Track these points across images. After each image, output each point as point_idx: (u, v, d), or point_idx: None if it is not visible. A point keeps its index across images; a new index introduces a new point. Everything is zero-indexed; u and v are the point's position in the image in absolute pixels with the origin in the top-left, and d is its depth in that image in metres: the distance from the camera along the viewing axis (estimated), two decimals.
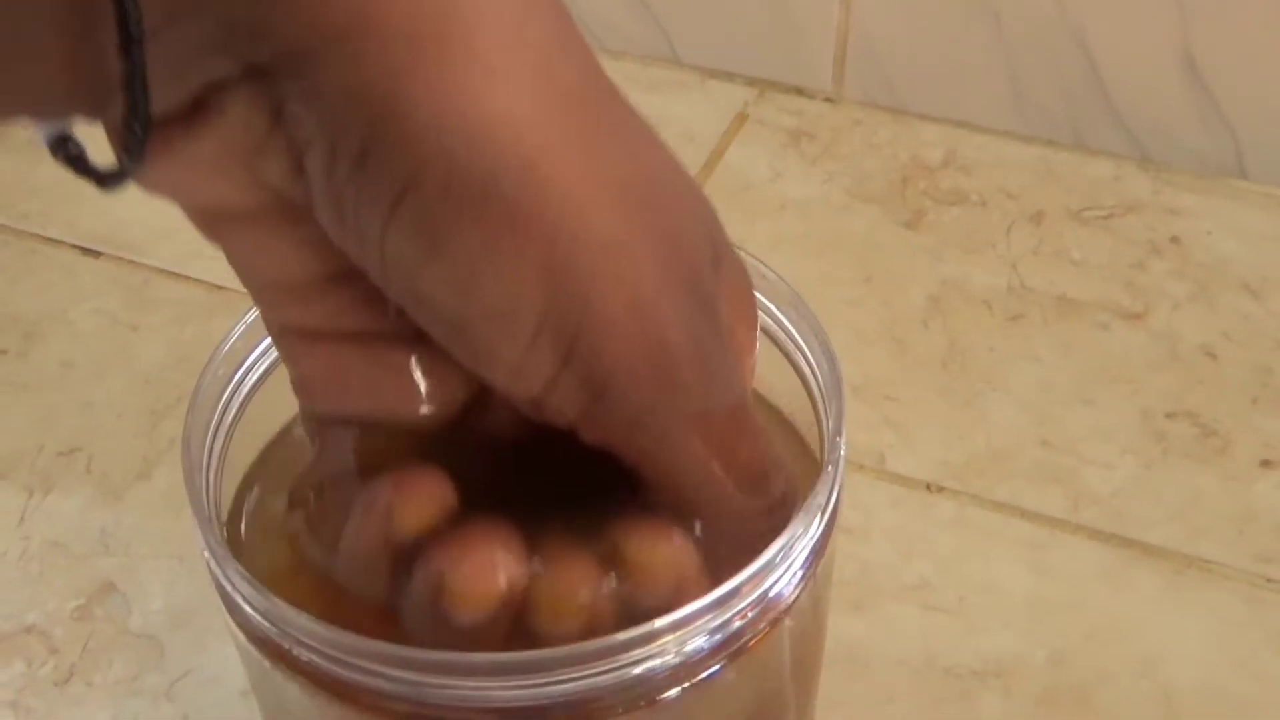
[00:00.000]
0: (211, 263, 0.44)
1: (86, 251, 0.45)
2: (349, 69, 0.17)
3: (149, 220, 0.46)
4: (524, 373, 0.19)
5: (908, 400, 0.39)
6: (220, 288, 0.44)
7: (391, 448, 0.22)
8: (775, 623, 0.22)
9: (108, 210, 0.46)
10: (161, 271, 0.44)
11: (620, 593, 0.20)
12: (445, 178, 0.17)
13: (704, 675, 0.21)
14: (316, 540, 0.21)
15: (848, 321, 0.42)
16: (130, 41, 0.16)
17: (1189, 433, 0.38)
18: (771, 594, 0.21)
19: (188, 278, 0.44)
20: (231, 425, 0.24)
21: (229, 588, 0.21)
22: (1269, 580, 0.35)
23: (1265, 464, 0.37)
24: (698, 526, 0.21)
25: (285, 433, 0.26)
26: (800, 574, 0.22)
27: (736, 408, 0.20)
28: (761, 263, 0.26)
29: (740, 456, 0.20)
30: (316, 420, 0.22)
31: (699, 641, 0.21)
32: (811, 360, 0.24)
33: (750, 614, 0.21)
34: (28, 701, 0.33)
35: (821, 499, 0.22)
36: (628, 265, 0.18)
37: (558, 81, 0.18)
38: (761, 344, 0.26)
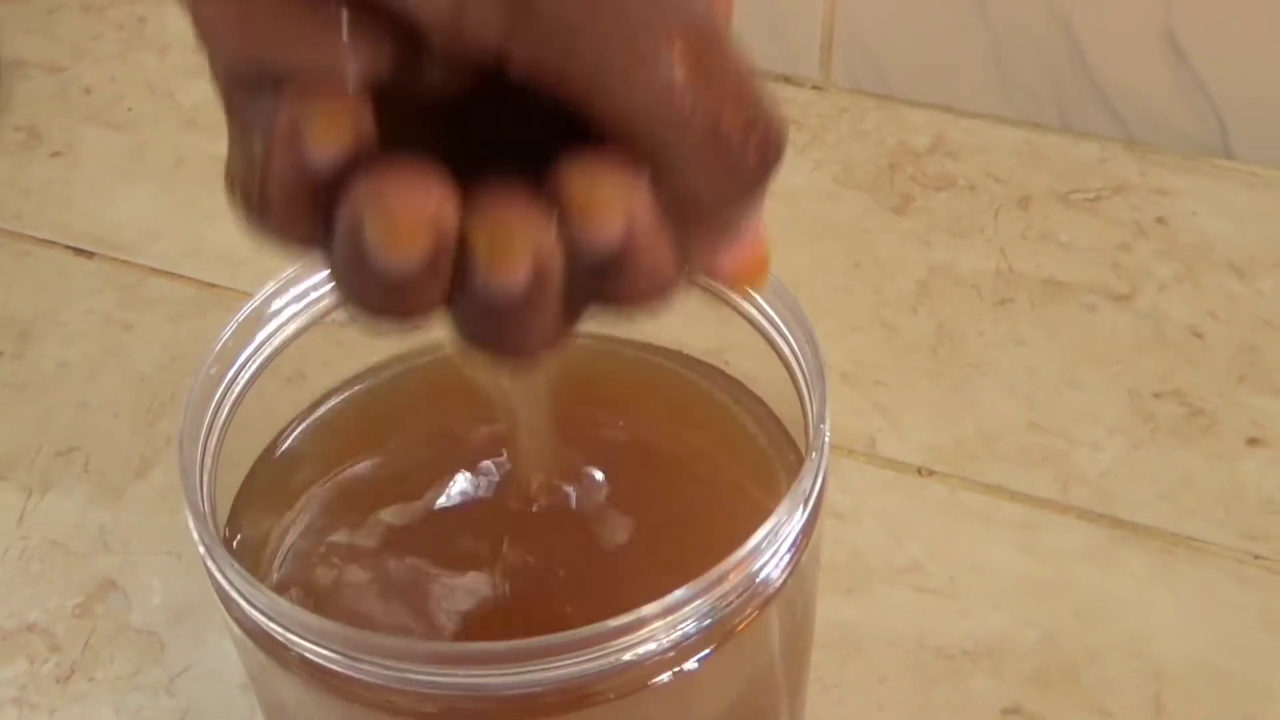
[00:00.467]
0: (204, 261, 0.45)
1: (79, 252, 0.45)
2: None
3: (141, 220, 0.46)
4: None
5: (897, 385, 0.40)
6: (213, 285, 0.44)
7: None
8: (763, 607, 0.22)
9: (100, 211, 0.47)
10: (154, 271, 0.45)
11: (567, 237, 0.17)
12: None
13: (694, 660, 0.21)
14: (236, 195, 0.19)
15: (837, 308, 0.42)
16: None
17: (1176, 412, 0.39)
18: (759, 579, 0.22)
19: (180, 276, 0.44)
20: (225, 423, 0.24)
21: (225, 584, 0.21)
22: (1256, 557, 0.35)
23: (1252, 442, 0.38)
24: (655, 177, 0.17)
25: (274, 445, 0.26)
26: (787, 559, 0.22)
27: (697, 24, 0.16)
28: None
29: (705, 89, 0.16)
30: (225, 78, 0.18)
31: (688, 627, 0.21)
32: (795, 348, 0.25)
33: (738, 599, 0.21)
34: (31, 698, 0.34)
35: (807, 484, 0.22)
36: None
37: None
38: (746, 333, 0.26)
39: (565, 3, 0.15)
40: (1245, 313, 0.41)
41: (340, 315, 0.28)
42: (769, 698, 0.25)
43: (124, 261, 0.45)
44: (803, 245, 0.44)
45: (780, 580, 0.22)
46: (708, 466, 0.27)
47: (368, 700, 0.21)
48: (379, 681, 0.21)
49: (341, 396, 0.29)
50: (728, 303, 0.27)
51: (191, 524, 0.22)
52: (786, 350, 0.25)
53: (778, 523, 0.21)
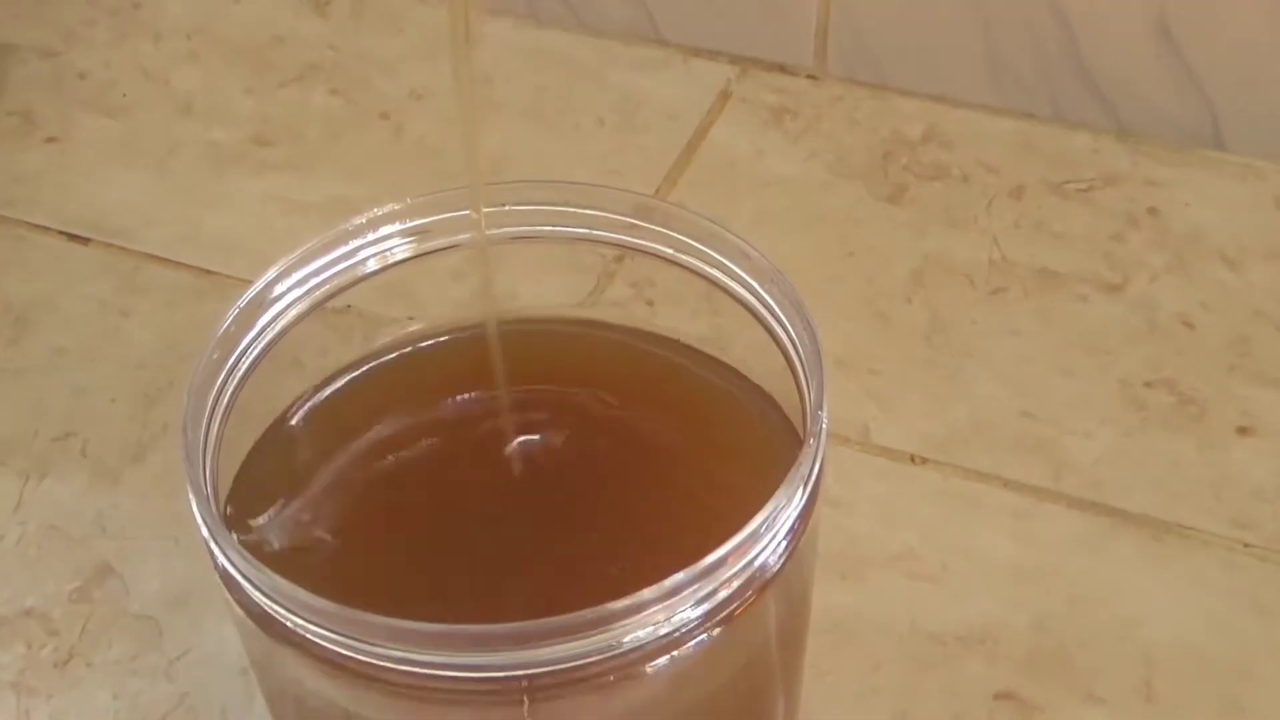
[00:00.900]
0: (201, 248, 0.45)
1: (74, 238, 0.45)
2: None
3: (136, 207, 0.46)
4: None
5: (891, 374, 0.40)
6: (209, 272, 0.44)
7: None
8: (761, 592, 0.22)
9: (95, 196, 0.47)
10: (150, 257, 0.45)
11: None
12: None
13: (691, 644, 0.21)
14: None
15: (831, 297, 0.42)
16: None
17: (1167, 401, 0.39)
18: (756, 564, 0.22)
19: (177, 263, 0.44)
20: (227, 407, 0.24)
21: (228, 566, 0.22)
22: (1246, 545, 0.35)
23: (1242, 431, 0.38)
24: None
25: (278, 425, 0.26)
26: (784, 544, 0.22)
27: None
28: (743, 240, 0.27)
29: None
30: None
31: (686, 611, 0.21)
32: (793, 335, 0.25)
33: (736, 584, 0.22)
34: (29, 683, 0.34)
35: (805, 470, 0.22)
36: None
37: None
38: (744, 320, 0.26)
39: None
40: (1236, 303, 0.42)
41: (340, 301, 0.28)
42: (765, 682, 0.25)
43: (120, 248, 0.45)
44: (796, 234, 0.44)
45: (778, 565, 0.22)
46: (707, 450, 0.27)
47: (369, 681, 0.21)
48: (380, 662, 0.21)
49: (340, 381, 0.29)
50: (725, 290, 0.27)
51: (194, 507, 0.22)
52: (784, 338, 0.25)
53: (776, 508, 0.22)
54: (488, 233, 0.27)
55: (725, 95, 0.50)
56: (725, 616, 0.22)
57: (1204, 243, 0.43)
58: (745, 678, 0.24)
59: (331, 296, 0.27)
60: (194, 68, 0.52)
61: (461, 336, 0.30)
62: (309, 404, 0.28)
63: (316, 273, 0.26)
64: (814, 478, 0.23)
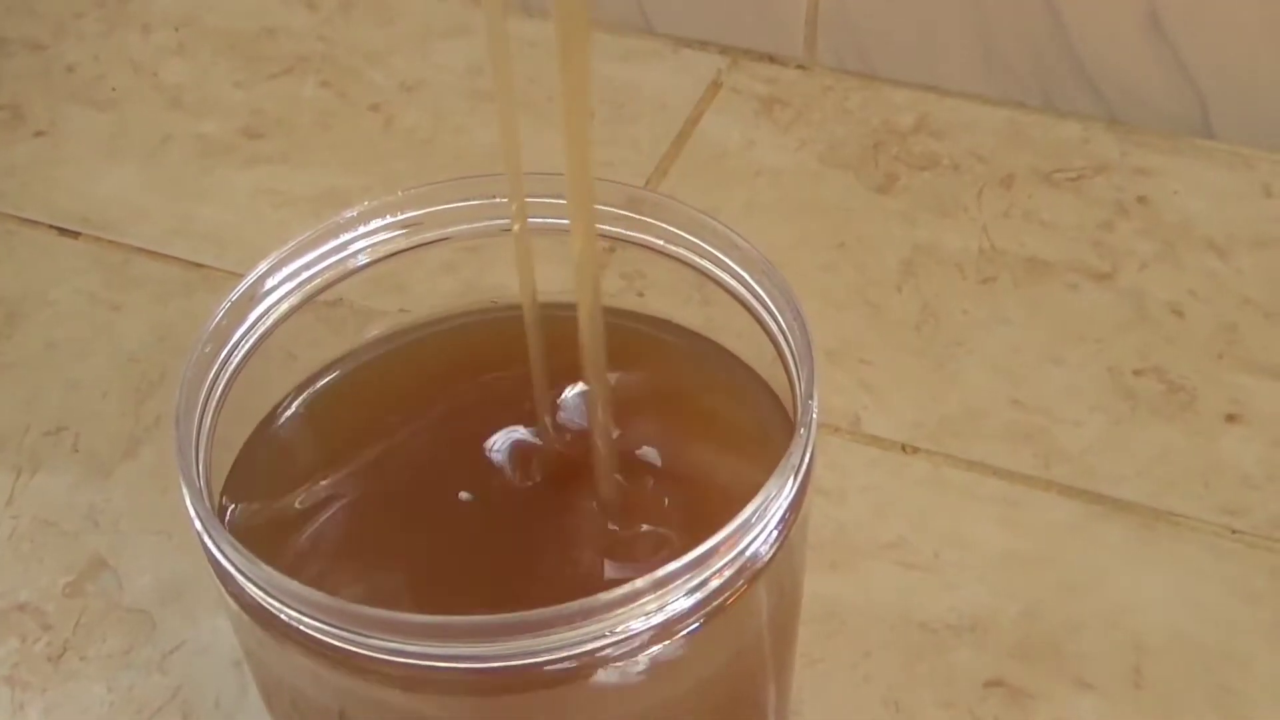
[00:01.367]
0: (190, 240, 0.45)
1: (64, 232, 0.45)
2: None
3: (126, 200, 0.46)
4: None
5: (882, 363, 0.40)
6: (199, 265, 0.44)
7: None
8: (752, 581, 0.22)
9: (84, 191, 0.47)
10: (140, 250, 0.45)
11: None
12: None
13: (683, 633, 0.22)
14: None
15: (822, 287, 0.42)
16: None
17: (1156, 389, 0.39)
18: (748, 553, 0.22)
19: (167, 256, 0.44)
20: (220, 401, 0.24)
21: (222, 559, 0.22)
22: (1234, 531, 0.36)
23: (1230, 418, 0.38)
24: None
25: (271, 418, 0.26)
26: (776, 533, 0.22)
27: None
28: (733, 231, 0.27)
29: None
30: None
31: (678, 600, 0.21)
32: (784, 325, 0.25)
33: (727, 573, 0.22)
34: (23, 677, 0.34)
35: (795, 459, 0.22)
36: None
37: None
38: (735, 311, 0.26)
39: None
40: (1224, 291, 0.42)
41: (331, 294, 0.28)
42: (756, 670, 0.26)
43: (110, 241, 0.45)
44: (787, 224, 0.45)
45: (769, 555, 0.22)
46: (701, 434, 0.27)
47: (364, 673, 0.22)
48: (375, 654, 0.21)
49: (333, 373, 0.29)
50: (716, 281, 0.27)
51: (188, 500, 0.22)
52: (775, 328, 0.25)
53: (767, 498, 0.22)
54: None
55: (715, 85, 0.50)
56: (717, 606, 0.22)
57: (1193, 231, 0.44)
58: (737, 666, 0.25)
59: (323, 290, 0.27)
60: (183, 60, 0.51)
61: (453, 325, 0.30)
62: (302, 396, 0.28)
63: (308, 266, 0.26)
64: (804, 467, 0.23)
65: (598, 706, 0.22)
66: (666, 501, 0.25)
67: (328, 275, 0.27)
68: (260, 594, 0.21)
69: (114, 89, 0.50)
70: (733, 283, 0.26)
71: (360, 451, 0.27)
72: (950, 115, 0.48)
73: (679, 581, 0.21)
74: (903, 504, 0.37)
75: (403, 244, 0.28)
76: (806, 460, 0.23)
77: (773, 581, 0.23)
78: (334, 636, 0.21)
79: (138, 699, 0.33)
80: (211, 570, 0.23)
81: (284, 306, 0.26)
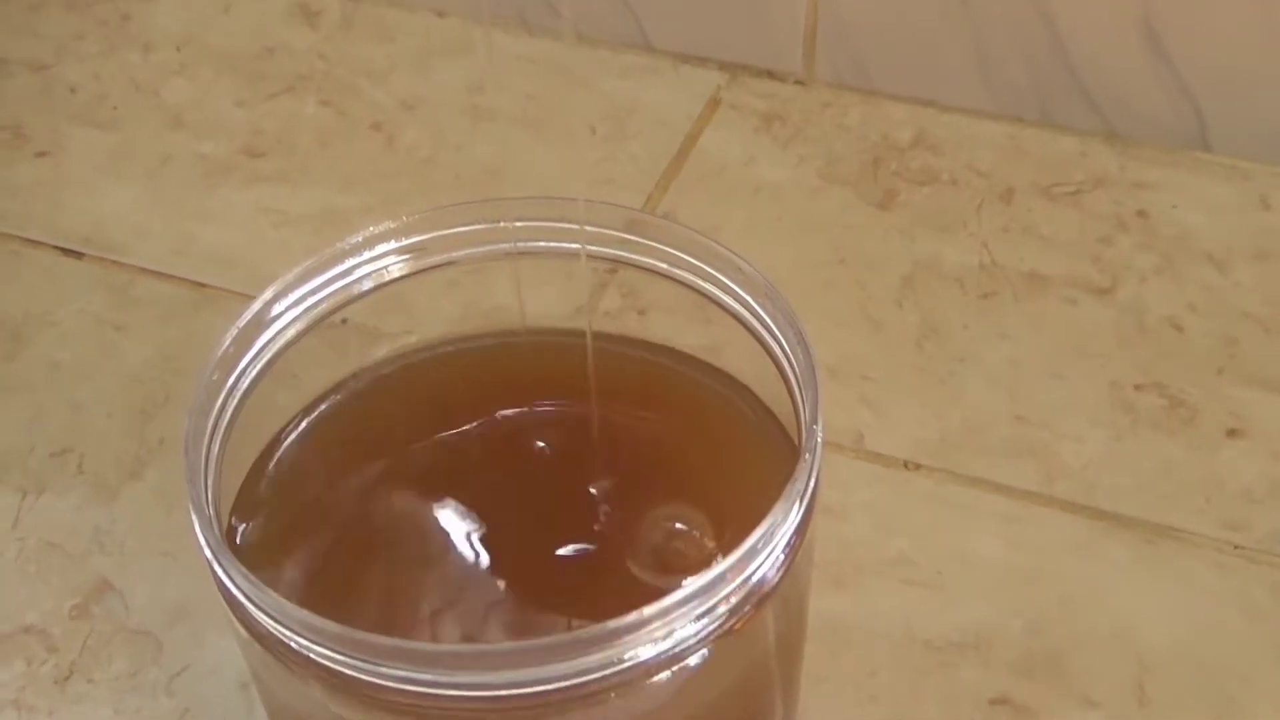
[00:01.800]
0: (194, 261, 0.45)
1: (68, 253, 0.45)
2: None
3: (129, 220, 0.46)
4: None
5: (883, 380, 0.40)
6: (203, 285, 0.44)
7: None
8: (759, 606, 0.22)
9: (87, 211, 0.47)
10: (144, 271, 0.45)
11: None
12: None
13: (691, 659, 0.22)
14: None
15: (823, 303, 0.42)
16: None
17: (1157, 404, 0.39)
18: (754, 579, 0.22)
19: (171, 276, 0.44)
20: (228, 427, 0.24)
21: (232, 588, 0.22)
22: (1236, 547, 0.36)
23: (1231, 433, 0.38)
24: None
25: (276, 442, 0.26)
26: (782, 558, 0.23)
27: None
28: (736, 254, 0.27)
29: None
30: None
31: (686, 626, 0.21)
32: (787, 350, 0.25)
33: (735, 599, 0.22)
34: (29, 700, 0.34)
35: (800, 485, 0.23)
36: None
37: None
38: (738, 334, 0.27)
39: None
40: (1224, 305, 0.42)
41: (337, 319, 0.28)
42: (764, 693, 0.26)
43: (113, 262, 0.45)
44: (786, 241, 0.45)
45: (775, 579, 0.22)
46: (705, 458, 0.27)
47: (372, 701, 0.22)
48: (383, 683, 0.21)
49: (337, 396, 0.29)
50: (719, 305, 0.27)
51: (197, 528, 0.22)
52: (778, 351, 0.25)
53: (773, 524, 0.22)
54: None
55: (715, 102, 0.50)
56: (724, 630, 0.22)
57: (1192, 245, 0.44)
58: (744, 689, 0.25)
59: (329, 315, 0.27)
60: (184, 80, 0.52)
61: (459, 349, 0.30)
62: (307, 420, 0.28)
63: (314, 291, 0.26)
64: (810, 492, 0.23)
65: None
66: (671, 526, 0.25)
67: (333, 300, 0.27)
68: (269, 622, 0.22)
69: (115, 109, 0.51)
70: (736, 306, 0.27)
71: (366, 474, 0.28)
72: (949, 130, 0.48)
73: (687, 608, 0.21)
74: (905, 521, 0.37)
75: (408, 269, 0.28)
76: (812, 485, 0.23)
77: (779, 605, 0.23)
78: (343, 664, 0.21)
79: None
80: (221, 598, 0.23)
81: (290, 332, 0.26)
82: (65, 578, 0.36)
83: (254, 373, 0.26)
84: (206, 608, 0.35)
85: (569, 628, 0.20)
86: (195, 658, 0.34)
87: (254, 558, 0.25)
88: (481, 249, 0.28)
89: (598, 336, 0.30)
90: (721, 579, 0.21)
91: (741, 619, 0.22)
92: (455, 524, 0.26)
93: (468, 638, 0.21)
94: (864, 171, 0.47)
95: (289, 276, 0.26)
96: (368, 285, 0.28)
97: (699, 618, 0.21)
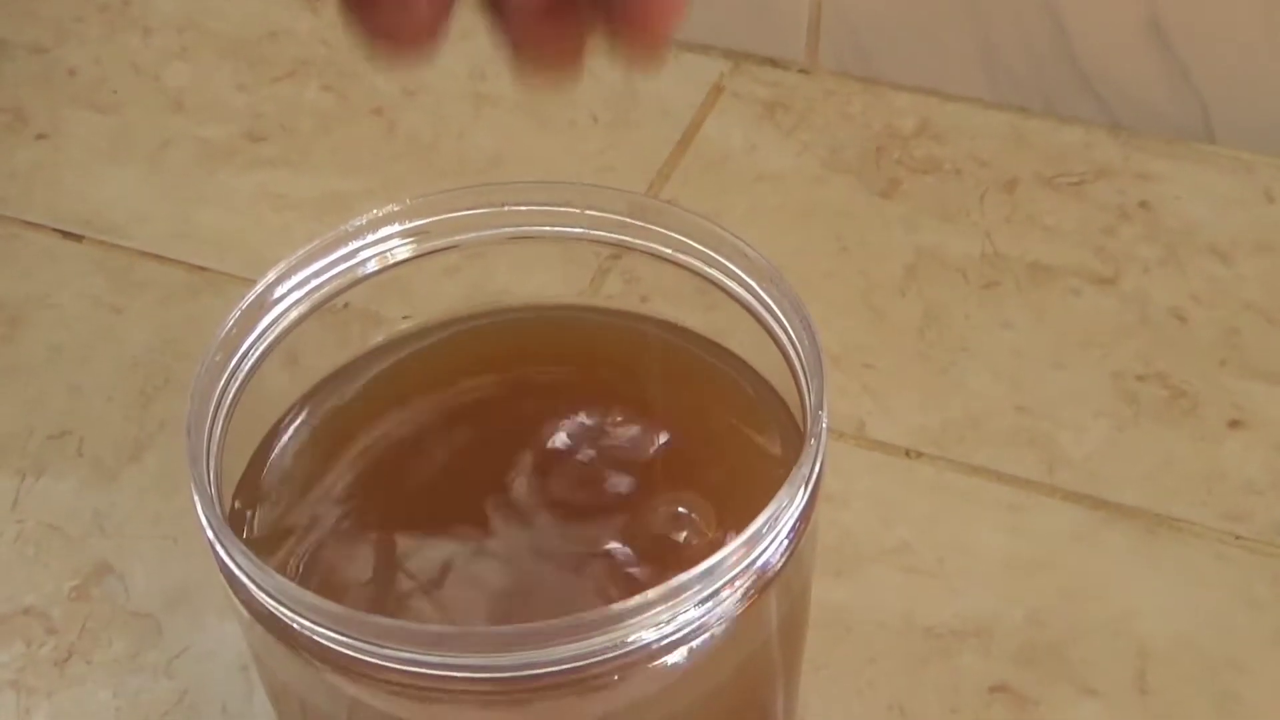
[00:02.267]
0: (194, 244, 0.45)
1: (68, 235, 0.45)
2: None
3: (128, 203, 0.46)
4: None
5: (886, 368, 0.40)
6: (203, 269, 0.44)
7: None
8: (763, 590, 0.22)
9: (87, 194, 0.47)
10: (144, 254, 0.44)
11: None
12: None
13: (695, 643, 0.22)
14: None
15: (825, 292, 0.42)
16: None
17: (1159, 395, 0.39)
18: (759, 563, 0.22)
19: (170, 259, 0.44)
20: (230, 409, 0.24)
21: (234, 568, 0.22)
22: (1237, 537, 0.36)
23: (1233, 424, 0.38)
24: None
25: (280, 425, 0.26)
26: (786, 543, 0.22)
27: None
28: (742, 240, 0.27)
29: None
30: None
31: (689, 611, 0.21)
32: (793, 335, 0.25)
33: (739, 583, 0.22)
34: (29, 681, 0.34)
35: (806, 470, 0.22)
36: None
37: None
38: (742, 319, 0.26)
39: None
40: (1227, 296, 0.42)
41: (339, 302, 0.28)
42: (766, 678, 0.26)
43: (113, 245, 0.45)
44: (789, 229, 0.45)
45: (779, 564, 0.22)
46: (707, 435, 0.27)
47: (374, 682, 0.22)
48: (385, 663, 0.21)
49: (340, 379, 0.29)
50: (724, 290, 0.27)
51: (200, 509, 0.22)
52: (783, 337, 0.25)
53: (778, 509, 0.22)
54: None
55: (718, 90, 0.50)
56: (728, 615, 0.22)
57: (1195, 236, 0.44)
58: (747, 674, 0.25)
59: (332, 298, 0.27)
60: (185, 63, 0.51)
61: (461, 329, 0.30)
62: (311, 403, 0.28)
63: (316, 274, 0.26)
64: (815, 477, 0.23)
65: (610, 716, 0.22)
66: (677, 510, 0.25)
67: (336, 283, 0.27)
68: (272, 603, 0.21)
69: (116, 92, 0.50)
70: (740, 291, 0.26)
71: (369, 455, 0.28)
72: (952, 120, 0.48)
73: (691, 591, 0.21)
74: (906, 509, 0.37)
75: (411, 252, 0.28)
76: (817, 470, 0.23)
77: (783, 590, 0.23)
78: (346, 646, 0.21)
79: (144, 704, 0.33)
80: (223, 578, 0.23)
81: (293, 315, 0.26)
82: (65, 560, 0.36)
83: (256, 355, 0.25)
84: (206, 591, 0.35)
85: (572, 611, 0.20)
86: (195, 640, 0.34)
87: (255, 538, 0.25)
88: (484, 233, 0.28)
89: (600, 312, 0.30)
90: (726, 563, 0.21)
91: (746, 603, 0.22)
92: (459, 505, 0.25)
93: (470, 619, 0.21)
94: (867, 160, 0.47)
95: (293, 259, 0.26)
96: (371, 268, 0.28)
97: (703, 601, 0.21)
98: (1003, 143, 0.47)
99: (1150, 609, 0.34)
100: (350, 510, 0.26)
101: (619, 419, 0.27)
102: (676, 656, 0.22)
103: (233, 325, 0.25)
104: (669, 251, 0.28)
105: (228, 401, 0.24)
